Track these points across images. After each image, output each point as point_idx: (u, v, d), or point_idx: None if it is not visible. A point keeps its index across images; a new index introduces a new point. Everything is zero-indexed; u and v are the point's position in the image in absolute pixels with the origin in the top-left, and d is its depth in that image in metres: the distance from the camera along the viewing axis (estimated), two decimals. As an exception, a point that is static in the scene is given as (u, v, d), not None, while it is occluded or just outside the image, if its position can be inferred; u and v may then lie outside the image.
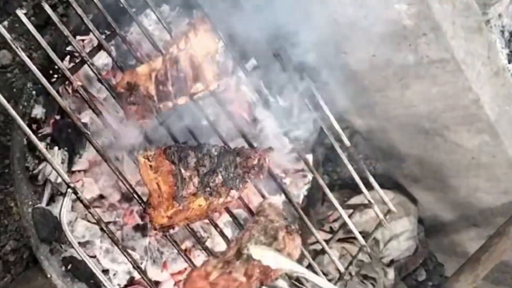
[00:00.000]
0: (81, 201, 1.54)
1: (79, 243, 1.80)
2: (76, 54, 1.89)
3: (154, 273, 1.97)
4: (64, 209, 1.54)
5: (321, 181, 1.97)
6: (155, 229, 1.57)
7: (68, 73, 1.58)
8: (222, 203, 1.59)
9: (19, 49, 1.49)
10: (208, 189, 1.54)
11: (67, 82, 1.86)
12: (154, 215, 1.53)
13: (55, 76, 1.81)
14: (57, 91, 1.58)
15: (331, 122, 1.98)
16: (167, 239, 1.68)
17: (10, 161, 1.83)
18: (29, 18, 1.50)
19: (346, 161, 2.00)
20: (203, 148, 1.57)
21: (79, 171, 1.92)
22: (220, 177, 1.56)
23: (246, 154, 1.63)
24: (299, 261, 2.09)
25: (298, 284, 1.70)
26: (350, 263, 2.08)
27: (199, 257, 2.02)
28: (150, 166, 1.52)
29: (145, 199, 1.61)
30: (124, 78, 1.57)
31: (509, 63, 2.11)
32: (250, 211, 1.78)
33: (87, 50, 1.68)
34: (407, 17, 1.86)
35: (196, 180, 1.52)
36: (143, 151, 1.54)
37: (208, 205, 1.56)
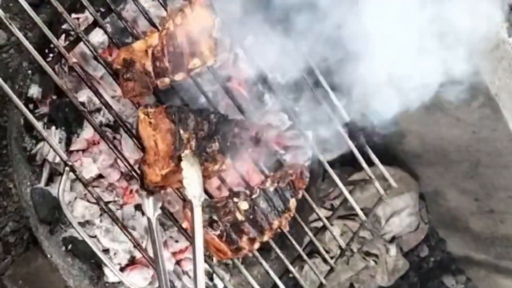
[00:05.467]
0: (79, 179, 1.53)
1: (78, 223, 1.79)
2: (72, 33, 1.87)
3: (155, 252, 1.97)
4: (62, 188, 1.53)
5: (321, 157, 1.96)
6: (147, 187, 1.56)
7: (63, 50, 1.56)
8: (216, 170, 1.60)
9: (13, 26, 1.47)
10: (205, 154, 1.54)
11: (63, 61, 1.86)
12: (148, 172, 1.53)
13: (51, 55, 1.79)
14: (53, 69, 1.57)
15: (331, 97, 1.97)
16: (167, 217, 1.68)
17: (8, 141, 1.82)
18: (23, -4, 1.48)
19: (346, 136, 1.99)
20: (203, 112, 1.57)
21: (77, 151, 1.91)
22: (217, 144, 1.57)
23: (244, 125, 1.63)
24: (301, 237, 2.10)
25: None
26: (351, 239, 2.08)
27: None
28: (150, 123, 1.52)
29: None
30: (120, 54, 1.56)
31: (510, 37, 2.10)
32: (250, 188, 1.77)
33: (83, 28, 1.67)
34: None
35: (193, 143, 1.52)
36: (143, 107, 1.54)
37: (202, 171, 1.55)
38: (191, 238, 1.70)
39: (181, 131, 1.51)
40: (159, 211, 1.59)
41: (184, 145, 1.51)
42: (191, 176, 1.50)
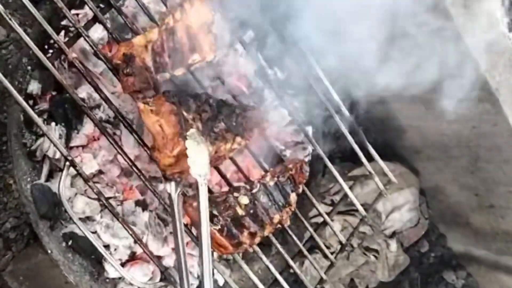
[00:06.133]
0: (80, 174, 1.53)
1: (79, 218, 1.79)
2: (72, 29, 1.87)
3: (155, 247, 1.97)
4: (62, 183, 1.53)
5: (321, 153, 1.96)
6: (164, 173, 1.56)
7: (63, 45, 1.56)
8: (229, 149, 1.61)
9: (13, 21, 1.47)
10: (213, 133, 1.54)
11: (63, 57, 1.86)
12: (160, 156, 1.53)
13: (50, 51, 1.79)
14: (53, 65, 1.57)
15: (331, 93, 1.97)
16: (168, 213, 1.68)
17: (7, 137, 1.82)
18: (23, -8, 1.49)
19: (346, 132, 1.99)
20: (202, 96, 1.58)
21: (77, 146, 1.91)
22: (222, 124, 1.57)
23: (244, 107, 1.65)
24: (301, 233, 2.10)
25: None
26: (352, 235, 2.08)
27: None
28: (151, 110, 1.52)
29: (145, 173, 1.61)
30: (120, 49, 1.56)
31: (510, 31, 2.10)
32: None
33: (82, 23, 1.67)
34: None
35: (199, 124, 1.52)
36: (141, 98, 1.54)
37: (215, 151, 1.56)
38: (191, 234, 1.71)
39: (184, 112, 1.52)
40: (180, 189, 1.59)
41: (190, 125, 1.51)
42: (195, 154, 1.50)
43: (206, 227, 1.48)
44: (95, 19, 1.66)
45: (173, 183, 1.57)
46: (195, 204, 1.53)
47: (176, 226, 1.55)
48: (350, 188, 2.03)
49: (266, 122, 1.74)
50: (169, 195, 1.58)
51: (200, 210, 1.48)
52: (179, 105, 1.52)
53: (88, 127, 1.91)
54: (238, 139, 1.61)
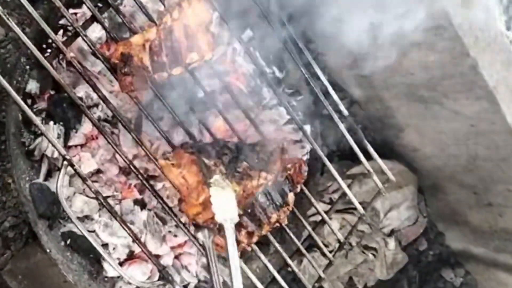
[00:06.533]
0: (78, 173, 1.53)
1: (77, 217, 1.80)
2: (70, 28, 1.87)
3: (153, 246, 1.97)
4: (60, 182, 1.53)
5: (319, 152, 1.97)
6: (196, 223, 1.58)
7: (61, 45, 1.56)
8: (257, 185, 1.61)
9: (11, 21, 1.47)
10: (237, 173, 1.56)
11: (61, 57, 1.86)
12: (187, 207, 1.55)
13: (49, 50, 1.79)
14: (51, 64, 1.57)
15: (329, 92, 1.97)
16: (166, 212, 1.68)
17: (6, 137, 1.82)
18: (21, -8, 1.49)
19: (344, 131, 1.99)
20: (220, 142, 1.61)
21: (75, 146, 1.91)
22: (245, 163, 1.58)
23: (263, 143, 1.67)
24: (299, 231, 2.10)
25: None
26: (350, 233, 2.08)
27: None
28: (172, 164, 1.54)
29: (143, 171, 1.61)
30: (118, 49, 1.56)
31: (508, 30, 2.10)
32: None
33: (80, 23, 1.67)
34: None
35: (222, 167, 1.54)
36: (161, 156, 1.56)
37: (243, 190, 1.57)
38: (189, 233, 1.72)
39: (205, 160, 1.54)
40: (212, 235, 1.60)
41: (213, 171, 1.52)
42: (221, 200, 1.51)
43: (237, 270, 1.50)
44: (93, 19, 1.66)
45: (205, 230, 1.59)
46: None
47: (212, 273, 1.56)
48: (349, 186, 2.03)
49: (287, 152, 1.74)
50: (203, 243, 1.60)
51: (229, 253, 1.50)
52: (198, 154, 1.54)
53: (86, 126, 1.91)
54: (264, 174, 1.62)
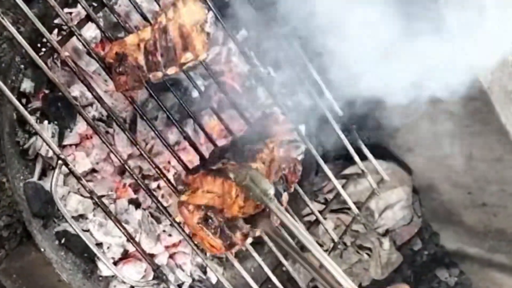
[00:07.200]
0: (72, 173, 1.53)
1: (72, 217, 1.80)
2: (65, 27, 1.87)
3: (148, 245, 1.97)
4: (55, 181, 1.53)
5: (314, 152, 1.97)
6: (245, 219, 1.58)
7: (55, 44, 1.56)
8: (269, 153, 1.62)
9: (5, 20, 1.47)
10: (247, 156, 1.55)
11: (55, 56, 1.86)
12: (230, 211, 1.53)
13: (43, 49, 1.79)
14: (45, 63, 1.56)
15: (324, 91, 1.97)
16: (161, 212, 1.68)
17: (0, 136, 1.82)
18: (15, -9, 1.49)
19: (339, 131, 1.99)
20: (215, 151, 1.67)
21: (70, 145, 1.91)
22: (247, 146, 1.60)
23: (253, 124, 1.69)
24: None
25: None
26: (344, 232, 2.08)
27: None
28: (192, 192, 1.55)
29: (138, 171, 1.61)
30: (112, 48, 1.56)
31: (502, 30, 2.10)
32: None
33: (75, 22, 1.67)
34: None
35: (230, 162, 1.53)
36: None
37: (262, 162, 1.57)
38: (184, 232, 1.72)
39: (213, 168, 1.54)
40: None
41: (226, 170, 1.52)
42: (253, 186, 1.49)
43: (302, 236, 1.46)
44: (88, 18, 1.66)
45: (263, 218, 1.58)
46: (190, 207, 1.53)
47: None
48: (343, 186, 2.03)
49: (279, 120, 1.74)
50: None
51: (289, 224, 1.46)
52: (205, 169, 1.54)
53: (81, 126, 1.91)
54: (268, 141, 1.63)
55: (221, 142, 1.92)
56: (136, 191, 2.02)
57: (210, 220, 1.57)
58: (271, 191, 1.46)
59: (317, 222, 1.99)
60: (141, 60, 1.56)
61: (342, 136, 1.99)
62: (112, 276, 1.95)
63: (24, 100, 1.84)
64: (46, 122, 1.83)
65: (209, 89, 2.00)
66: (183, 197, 1.53)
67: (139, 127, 2.00)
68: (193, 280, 2.11)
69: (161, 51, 1.56)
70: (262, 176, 1.49)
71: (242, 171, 1.49)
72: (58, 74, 1.89)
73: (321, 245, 2.33)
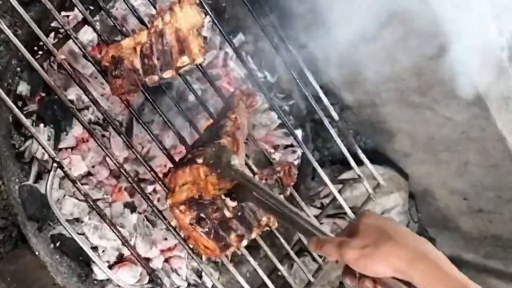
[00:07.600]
0: (67, 176, 1.53)
1: (67, 220, 1.80)
2: (61, 31, 1.87)
3: (143, 249, 1.97)
4: (50, 184, 1.52)
5: (310, 156, 1.97)
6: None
7: (51, 47, 1.56)
8: (234, 125, 1.62)
9: (2, 23, 1.47)
10: (216, 136, 1.56)
11: (52, 59, 1.86)
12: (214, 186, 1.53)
13: (40, 52, 1.79)
14: (42, 66, 1.56)
15: (320, 96, 1.97)
16: (156, 216, 1.68)
17: (-4, 139, 1.82)
18: (12, -6, 1.49)
19: (335, 136, 1.99)
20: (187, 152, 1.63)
21: (66, 148, 1.91)
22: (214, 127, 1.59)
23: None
24: (290, 236, 2.10)
25: None
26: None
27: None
28: (173, 191, 1.55)
29: (133, 174, 1.60)
30: (108, 51, 1.56)
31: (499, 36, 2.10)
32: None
33: (72, 25, 1.66)
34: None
35: (200, 149, 1.53)
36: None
37: (228, 136, 1.57)
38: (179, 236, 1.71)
39: (184, 161, 1.55)
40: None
41: (199, 156, 1.52)
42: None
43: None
44: (84, 21, 1.66)
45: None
46: (182, 207, 1.53)
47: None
48: (339, 191, 2.03)
49: (243, 95, 1.75)
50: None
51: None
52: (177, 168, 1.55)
53: (77, 129, 1.91)
54: (230, 113, 1.64)
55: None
56: (131, 195, 2.02)
57: (203, 221, 1.57)
58: (235, 161, 1.47)
59: (313, 226, 1.98)
60: (137, 64, 1.56)
61: (339, 141, 1.99)
62: (107, 280, 1.94)
63: (20, 103, 1.84)
64: (42, 125, 1.83)
65: (205, 93, 2.00)
66: (168, 201, 1.54)
67: (135, 130, 2.00)
68: (189, 284, 2.11)
69: (157, 54, 1.56)
70: (228, 150, 1.50)
71: (208, 150, 1.50)
72: (55, 77, 1.89)
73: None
